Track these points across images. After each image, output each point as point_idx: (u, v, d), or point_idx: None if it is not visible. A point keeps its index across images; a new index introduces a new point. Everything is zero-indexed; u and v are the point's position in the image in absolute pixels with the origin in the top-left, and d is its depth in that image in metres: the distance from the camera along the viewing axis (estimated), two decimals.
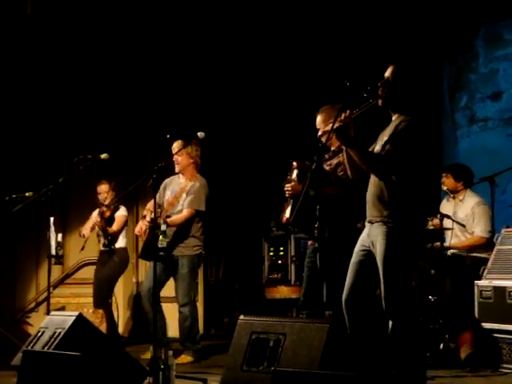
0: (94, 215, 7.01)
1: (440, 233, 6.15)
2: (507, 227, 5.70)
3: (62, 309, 7.62)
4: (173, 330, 6.44)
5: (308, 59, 7.95)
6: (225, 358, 4.14)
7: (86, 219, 7.18)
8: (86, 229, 7.03)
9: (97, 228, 6.92)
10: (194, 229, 6.09)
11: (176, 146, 6.05)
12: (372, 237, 3.98)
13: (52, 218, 6.17)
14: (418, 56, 7.31)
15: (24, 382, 3.85)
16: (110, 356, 4.33)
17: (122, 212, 7.07)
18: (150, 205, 6.05)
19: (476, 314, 5.48)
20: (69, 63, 7.91)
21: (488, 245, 6.03)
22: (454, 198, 6.38)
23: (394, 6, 7.66)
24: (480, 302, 5.46)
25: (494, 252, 5.65)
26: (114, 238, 6.99)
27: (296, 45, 7.95)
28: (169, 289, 6.25)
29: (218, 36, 7.99)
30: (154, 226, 5.72)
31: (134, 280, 8.10)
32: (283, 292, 7.52)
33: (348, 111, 3.98)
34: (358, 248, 4.08)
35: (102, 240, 7.01)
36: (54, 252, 6.25)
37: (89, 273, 7.57)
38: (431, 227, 5.97)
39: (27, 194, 6.01)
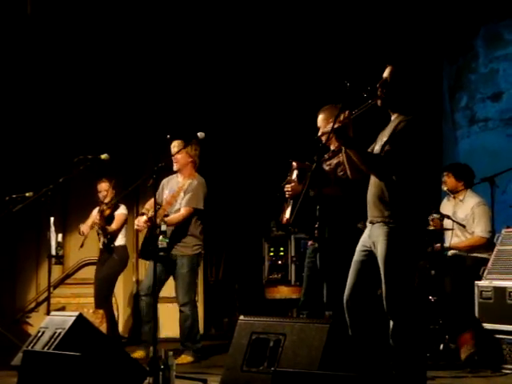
0: (94, 213, 7.03)
1: (440, 234, 6.15)
2: (507, 227, 5.71)
3: (63, 309, 7.62)
4: (173, 330, 6.43)
5: (308, 59, 7.94)
6: (225, 358, 4.13)
7: (86, 219, 7.18)
8: (85, 226, 7.04)
9: (96, 227, 6.93)
10: (193, 228, 6.08)
11: (175, 145, 6.05)
12: (373, 237, 3.98)
13: (52, 218, 6.17)
14: (418, 56, 7.31)
15: (24, 382, 3.86)
16: (110, 356, 4.33)
17: (121, 210, 7.07)
18: (149, 204, 6.05)
19: (476, 315, 5.48)
20: (69, 63, 7.90)
21: (488, 245, 6.03)
22: (454, 197, 6.38)
23: (393, 6, 7.66)
24: (480, 302, 5.47)
25: (494, 252, 5.66)
26: (113, 236, 7.00)
27: (296, 45, 7.95)
28: (169, 289, 6.25)
29: (218, 36, 7.98)
30: (153, 225, 5.72)
31: (134, 279, 8.09)
32: (283, 292, 7.52)
33: (347, 112, 3.98)
34: (359, 248, 4.08)
35: (102, 239, 7.02)
36: (54, 252, 6.25)
37: (89, 273, 7.57)
38: (432, 228, 5.97)
39: (27, 194, 6.00)
